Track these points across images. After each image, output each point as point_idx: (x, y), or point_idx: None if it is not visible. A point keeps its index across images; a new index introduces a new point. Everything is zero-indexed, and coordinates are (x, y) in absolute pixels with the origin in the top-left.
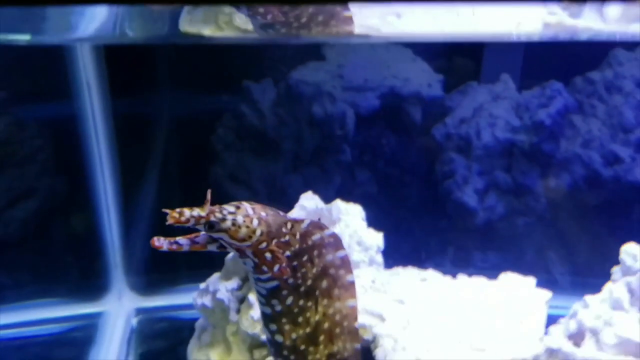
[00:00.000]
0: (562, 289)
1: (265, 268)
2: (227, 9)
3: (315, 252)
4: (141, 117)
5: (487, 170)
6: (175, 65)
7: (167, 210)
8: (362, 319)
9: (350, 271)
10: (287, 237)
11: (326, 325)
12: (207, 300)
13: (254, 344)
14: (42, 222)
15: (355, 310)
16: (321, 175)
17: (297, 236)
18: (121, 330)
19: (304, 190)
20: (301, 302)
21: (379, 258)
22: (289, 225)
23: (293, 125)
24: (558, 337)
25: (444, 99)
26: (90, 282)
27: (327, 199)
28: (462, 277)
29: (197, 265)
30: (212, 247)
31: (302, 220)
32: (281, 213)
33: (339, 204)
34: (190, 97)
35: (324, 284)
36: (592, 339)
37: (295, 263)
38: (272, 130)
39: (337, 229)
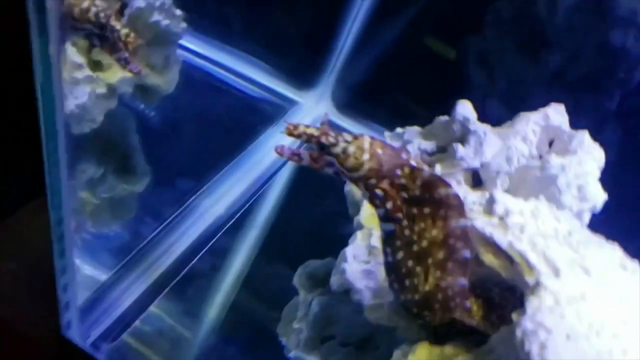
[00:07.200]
0: None
1: (377, 202)
2: None
3: (441, 212)
4: None
5: None
6: None
7: (287, 121)
8: (535, 259)
9: (468, 246)
10: (403, 180)
11: (439, 296)
12: None
13: None
14: None
15: (465, 289)
16: (581, 109)
17: (418, 182)
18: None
19: None
20: (410, 264)
21: (586, 216)
22: (406, 169)
23: (577, 37)
24: None
25: None
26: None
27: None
28: None
29: None
30: (329, 171)
31: (421, 169)
32: (404, 156)
33: (585, 136)
34: None
35: (440, 254)
36: None
37: (414, 211)
38: (553, 33)
39: (567, 161)
